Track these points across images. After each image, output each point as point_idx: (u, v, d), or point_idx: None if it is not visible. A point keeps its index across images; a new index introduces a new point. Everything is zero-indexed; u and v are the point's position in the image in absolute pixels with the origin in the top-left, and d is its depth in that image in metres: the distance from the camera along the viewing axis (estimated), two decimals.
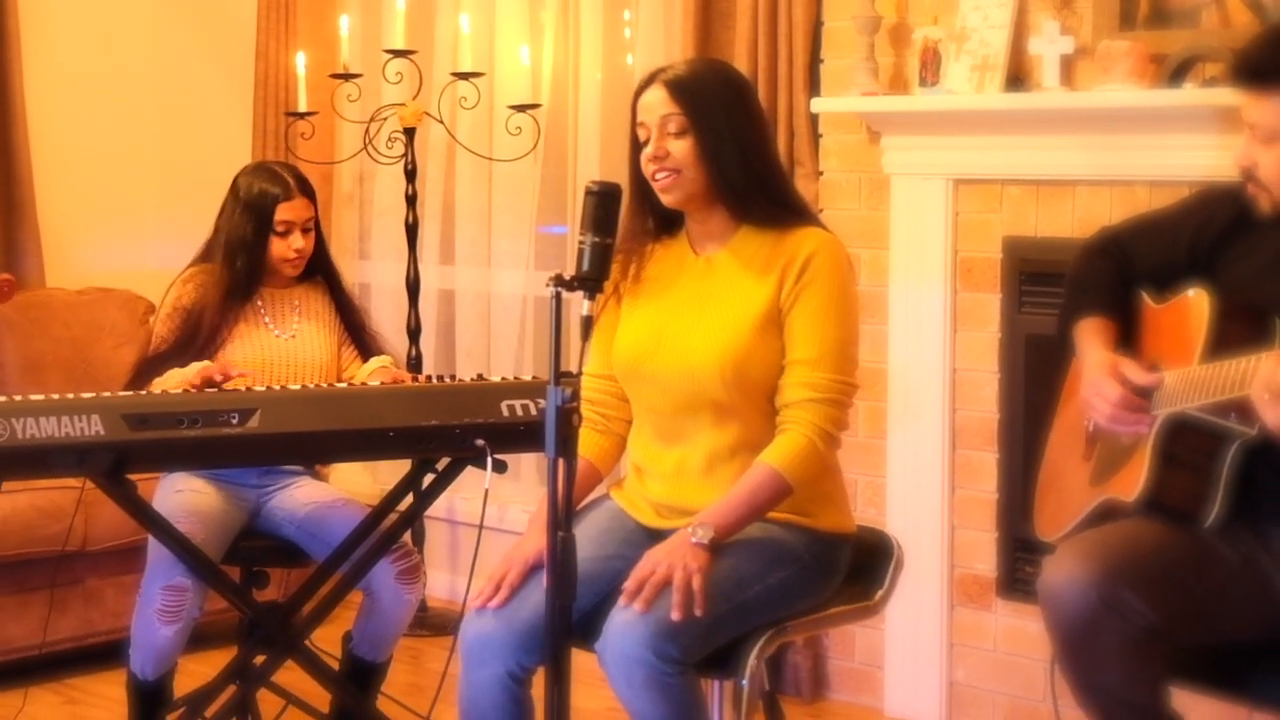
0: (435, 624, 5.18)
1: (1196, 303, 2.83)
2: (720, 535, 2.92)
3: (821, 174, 4.50)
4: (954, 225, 4.29)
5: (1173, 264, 2.95)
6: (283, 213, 3.92)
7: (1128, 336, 3.00)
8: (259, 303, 3.99)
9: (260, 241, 3.93)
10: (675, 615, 2.80)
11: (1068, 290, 3.12)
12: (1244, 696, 2.87)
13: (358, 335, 4.08)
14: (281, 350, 3.97)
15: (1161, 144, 3.89)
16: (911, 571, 4.33)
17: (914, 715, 4.41)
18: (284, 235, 3.94)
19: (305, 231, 3.97)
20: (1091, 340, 2.98)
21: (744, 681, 2.92)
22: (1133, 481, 2.82)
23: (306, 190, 3.99)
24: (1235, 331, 2.71)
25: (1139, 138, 3.94)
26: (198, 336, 3.87)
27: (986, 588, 4.31)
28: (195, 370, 3.63)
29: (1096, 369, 2.91)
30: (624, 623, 2.83)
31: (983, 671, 4.32)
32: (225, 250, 3.94)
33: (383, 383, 3.58)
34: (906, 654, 4.43)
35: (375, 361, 3.99)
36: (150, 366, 3.81)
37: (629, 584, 2.87)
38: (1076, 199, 4.08)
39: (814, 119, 4.47)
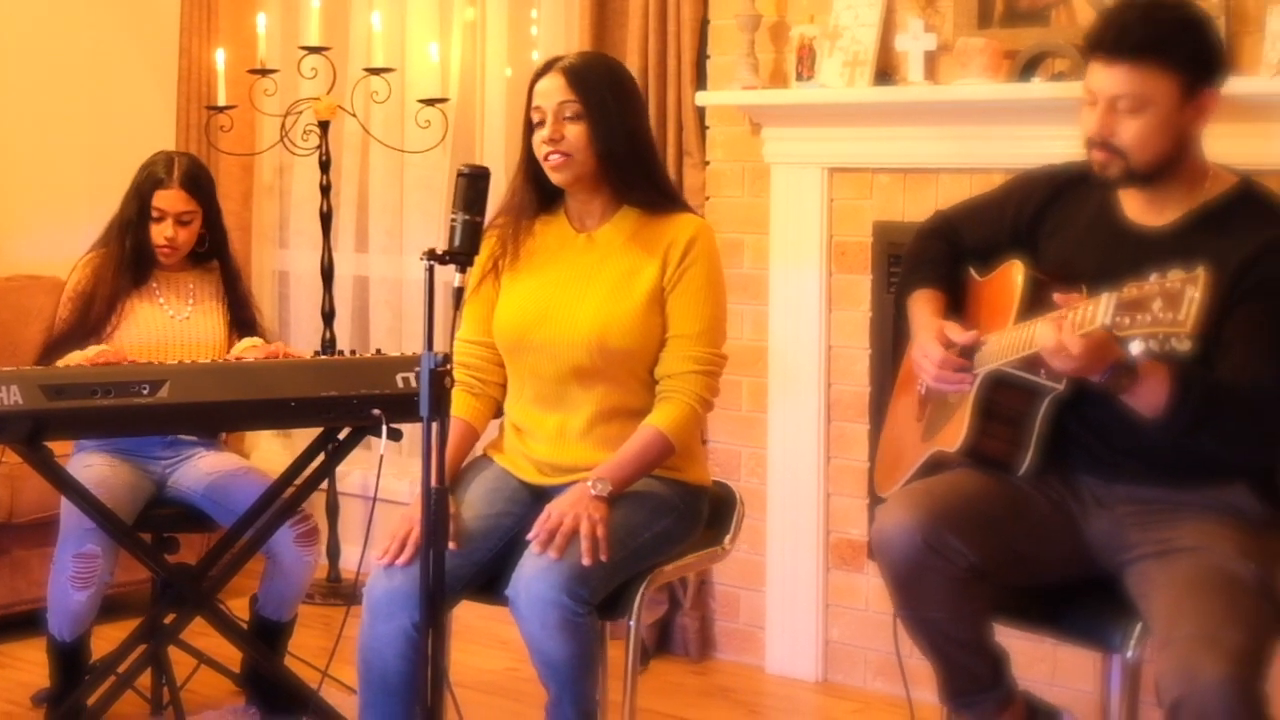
0: (348, 594, 5.33)
1: (1013, 272, 3.05)
2: (616, 489, 3.18)
3: (708, 163, 4.67)
4: (829, 211, 4.48)
5: (997, 241, 3.15)
6: (158, 200, 4.04)
7: (957, 307, 3.20)
8: (154, 284, 4.12)
9: (143, 224, 4.06)
10: (586, 560, 3.05)
11: (904, 268, 3.34)
12: (1058, 631, 3.08)
13: (241, 325, 4.19)
14: (174, 330, 4.11)
15: (1015, 134, 4.09)
16: (790, 537, 4.60)
17: (793, 672, 4.59)
18: (158, 221, 4.06)
19: (183, 224, 4.08)
20: (921, 309, 3.19)
21: (632, 621, 3.20)
22: (955, 434, 3.03)
23: (190, 185, 4.07)
24: (1047, 298, 2.86)
25: (995, 128, 4.13)
26: (91, 317, 4.01)
27: (859, 551, 4.48)
28: (94, 354, 3.79)
29: (924, 333, 3.12)
30: (537, 569, 3.07)
31: (856, 630, 4.51)
32: (116, 231, 4.09)
33: (256, 359, 3.75)
34: (786, 615, 4.62)
35: (245, 342, 4.07)
36: (53, 349, 3.94)
37: (539, 534, 3.10)
38: (940, 186, 4.27)
39: (701, 112, 4.64)
